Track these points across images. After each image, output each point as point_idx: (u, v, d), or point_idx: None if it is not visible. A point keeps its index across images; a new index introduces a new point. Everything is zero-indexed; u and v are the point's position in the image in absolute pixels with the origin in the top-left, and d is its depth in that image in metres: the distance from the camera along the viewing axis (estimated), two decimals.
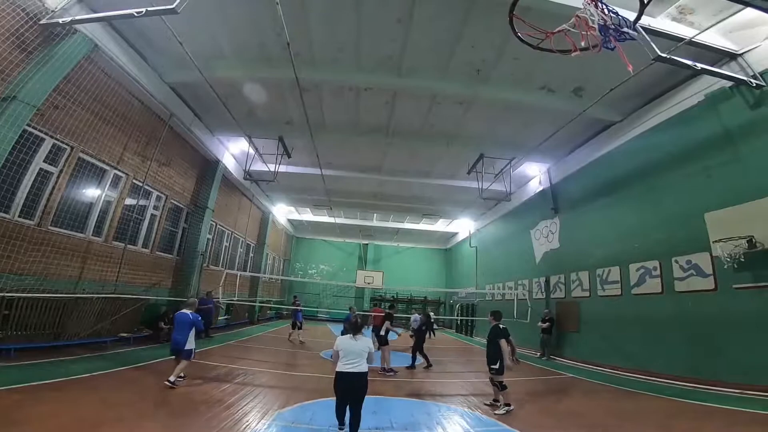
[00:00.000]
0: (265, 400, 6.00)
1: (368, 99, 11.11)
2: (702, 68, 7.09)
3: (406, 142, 13.42)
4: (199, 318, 6.80)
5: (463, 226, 25.58)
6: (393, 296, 28.76)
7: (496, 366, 6.18)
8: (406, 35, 8.45)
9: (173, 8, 6.08)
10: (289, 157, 14.28)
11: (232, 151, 15.56)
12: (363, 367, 4.34)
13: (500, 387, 6.17)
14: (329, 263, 31.05)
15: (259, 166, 14.93)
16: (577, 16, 4.12)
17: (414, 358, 10.16)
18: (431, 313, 21.15)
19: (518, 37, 4.59)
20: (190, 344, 6.57)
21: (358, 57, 9.30)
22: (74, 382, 5.97)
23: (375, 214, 25.71)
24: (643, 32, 6.66)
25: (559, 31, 4.26)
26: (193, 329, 6.67)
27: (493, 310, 6.84)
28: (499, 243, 20.22)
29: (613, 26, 4.07)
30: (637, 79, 8.17)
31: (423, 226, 27.04)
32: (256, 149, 14.04)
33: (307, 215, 27.00)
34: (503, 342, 6.16)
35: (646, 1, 4.18)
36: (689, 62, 6.88)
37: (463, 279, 25.62)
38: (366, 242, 30.78)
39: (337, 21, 8.22)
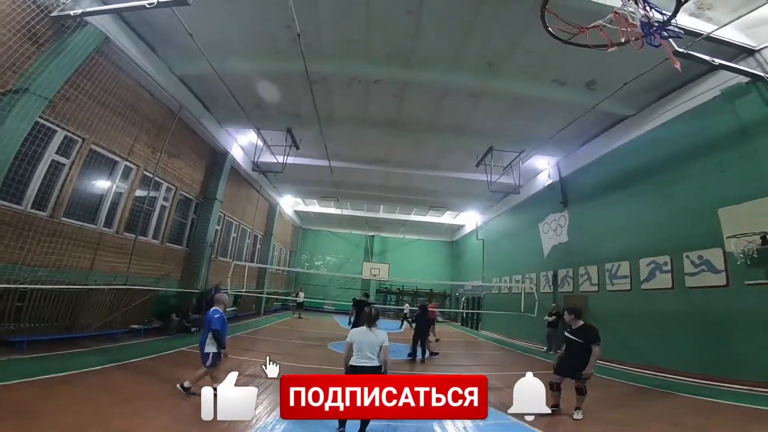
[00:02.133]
0: (276, 392, 6.02)
1: (377, 91, 11.01)
2: (720, 64, 6.96)
3: (414, 134, 13.31)
4: (217, 315, 5.71)
5: (469, 219, 25.50)
6: (399, 288, 28.85)
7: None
8: (417, 27, 8.33)
9: None
10: (298, 148, 14.24)
11: (241, 143, 15.55)
12: (376, 362, 4.19)
13: (585, 392, 5.75)
14: (335, 255, 31.16)
15: (267, 158, 14.89)
16: (616, 12, 4.05)
17: (421, 350, 10.14)
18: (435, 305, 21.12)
19: (549, 32, 4.51)
20: (209, 347, 5.59)
21: (368, 49, 9.20)
22: (87, 374, 6.03)
23: (382, 206, 25.66)
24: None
25: (594, 27, 4.18)
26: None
27: (570, 307, 6.39)
28: (506, 236, 20.13)
29: (656, 23, 3.98)
30: (651, 74, 8.06)
31: (429, 218, 26.95)
32: (265, 141, 14.00)
33: (314, 207, 27.02)
34: (597, 348, 5.74)
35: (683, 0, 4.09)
36: (707, 57, 6.75)
37: (469, 272, 25.59)
38: (372, 234, 30.75)
39: (347, 12, 8.11)
